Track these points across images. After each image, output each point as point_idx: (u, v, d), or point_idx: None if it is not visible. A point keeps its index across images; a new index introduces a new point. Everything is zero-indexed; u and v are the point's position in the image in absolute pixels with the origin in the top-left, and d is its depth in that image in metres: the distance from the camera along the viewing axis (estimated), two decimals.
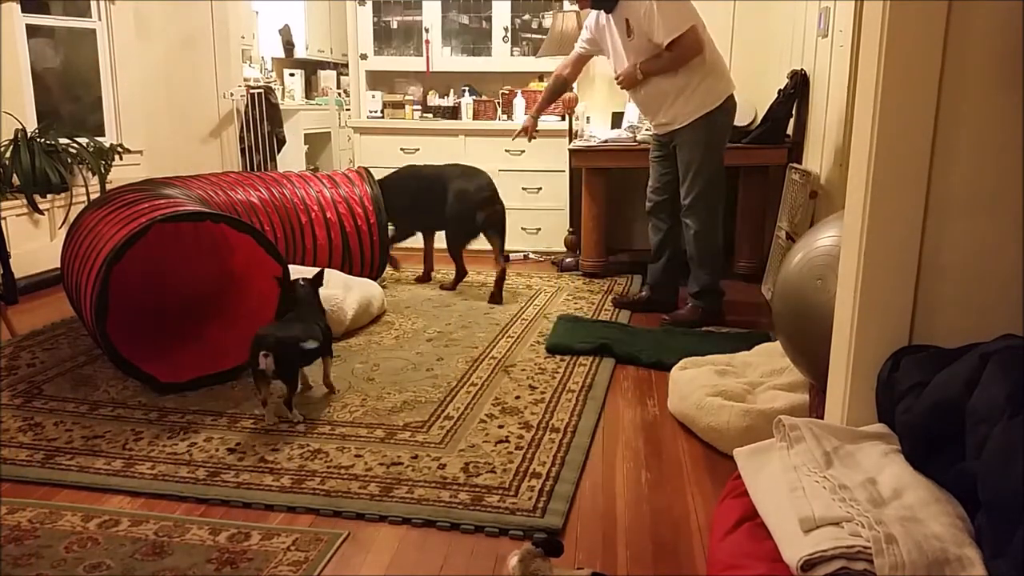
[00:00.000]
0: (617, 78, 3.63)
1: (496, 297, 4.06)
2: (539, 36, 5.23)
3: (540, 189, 5.19)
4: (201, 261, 3.35)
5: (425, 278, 4.56)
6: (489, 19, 5.33)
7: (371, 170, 4.45)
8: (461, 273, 4.37)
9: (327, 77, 7.70)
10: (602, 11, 3.59)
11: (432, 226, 4.47)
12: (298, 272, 3.60)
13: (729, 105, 3.56)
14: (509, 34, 5.29)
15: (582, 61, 3.94)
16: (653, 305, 3.84)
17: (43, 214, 4.43)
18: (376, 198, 4.21)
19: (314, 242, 3.97)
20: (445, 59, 5.44)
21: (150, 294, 3.29)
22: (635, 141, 4.41)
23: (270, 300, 2.88)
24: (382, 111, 5.47)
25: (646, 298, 3.89)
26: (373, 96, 5.47)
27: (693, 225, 3.57)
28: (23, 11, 4.69)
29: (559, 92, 4.07)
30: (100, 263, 2.63)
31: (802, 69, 4.18)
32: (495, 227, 4.14)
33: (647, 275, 3.95)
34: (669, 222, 3.76)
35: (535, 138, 4.20)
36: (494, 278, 4.12)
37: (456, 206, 4.14)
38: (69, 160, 4.57)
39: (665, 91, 3.49)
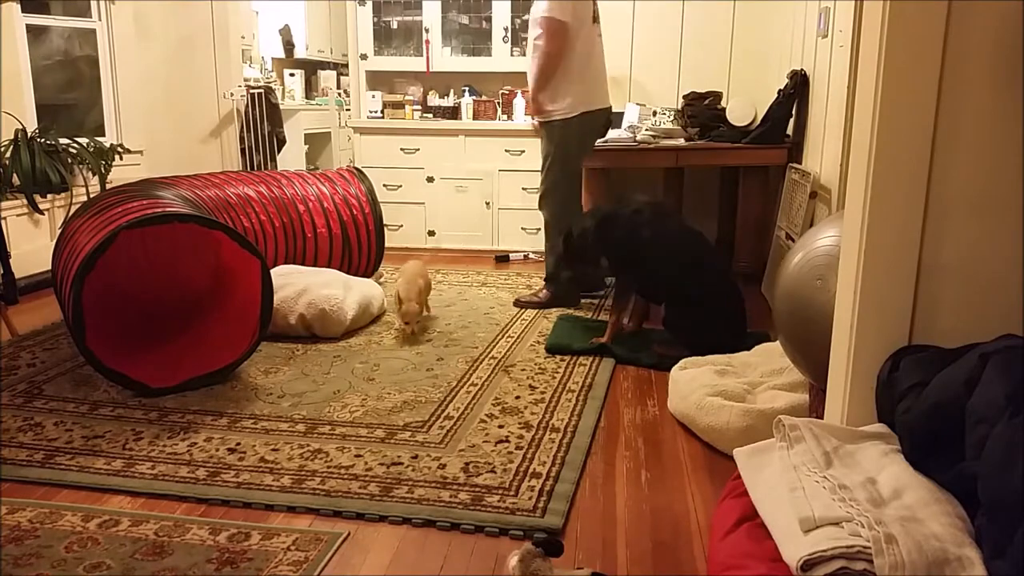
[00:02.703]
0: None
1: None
2: None
3: None
4: (186, 261, 3.35)
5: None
6: (489, 19, 5.33)
7: (367, 170, 4.46)
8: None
9: (327, 77, 7.70)
10: None
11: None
12: (298, 272, 3.62)
13: (578, 126, 3.74)
14: (509, 34, 5.29)
15: None
16: (555, 303, 3.94)
17: (43, 214, 4.43)
18: (371, 192, 4.21)
19: (314, 231, 3.98)
20: (445, 59, 5.44)
21: (138, 296, 3.29)
22: (635, 141, 4.41)
23: (257, 297, 2.87)
24: (382, 111, 5.48)
25: (548, 297, 3.97)
26: (373, 96, 5.48)
27: (544, 216, 3.94)
28: (23, 11, 4.69)
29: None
30: (73, 276, 2.63)
31: (802, 69, 4.18)
32: None
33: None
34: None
35: None
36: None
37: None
38: (69, 160, 4.57)
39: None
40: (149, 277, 3.34)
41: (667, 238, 3.24)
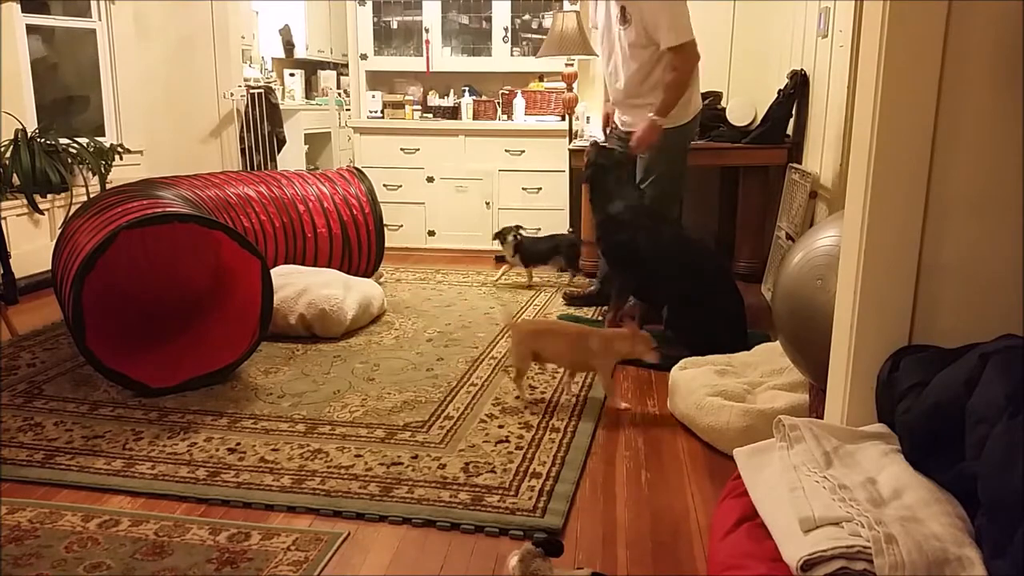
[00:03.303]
0: (634, 143, 3.45)
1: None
2: (539, 36, 5.22)
3: (540, 189, 5.19)
4: (186, 261, 3.35)
5: None
6: (489, 19, 5.33)
7: (367, 170, 4.46)
8: None
9: (327, 77, 7.70)
10: None
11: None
12: (298, 272, 3.62)
13: (695, 124, 3.62)
14: (509, 34, 5.29)
15: None
16: (603, 299, 3.89)
17: (43, 214, 4.43)
18: (371, 191, 4.21)
19: (314, 231, 3.99)
20: (445, 59, 5.44)
21: (138, 296, 3.29)
22: None
23: (257, 297, 2.87)
24: (382, 111, 5.47)
25: (596, 292, 3.95)
26: (373, 96, 5.47)
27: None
28: (23, 11, 4.69)
29: None
30: (73, 276, 2.63)
31: (802, 69, 4.18)
32: None
33: (599, 271, 4.04)
34: None
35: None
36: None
37: None
38: (69, 160, 4.57)
39: (648, 90, 3.44)
40: (149, 277, 3.34)
41: (666, 240, 3.26)
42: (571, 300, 4.01)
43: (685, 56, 3.34)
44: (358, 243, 4.16)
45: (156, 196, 3.11)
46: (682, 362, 2.73)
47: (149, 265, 3.34)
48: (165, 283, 3.37)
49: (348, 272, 4.00)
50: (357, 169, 4.47)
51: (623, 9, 3.40)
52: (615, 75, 3.59)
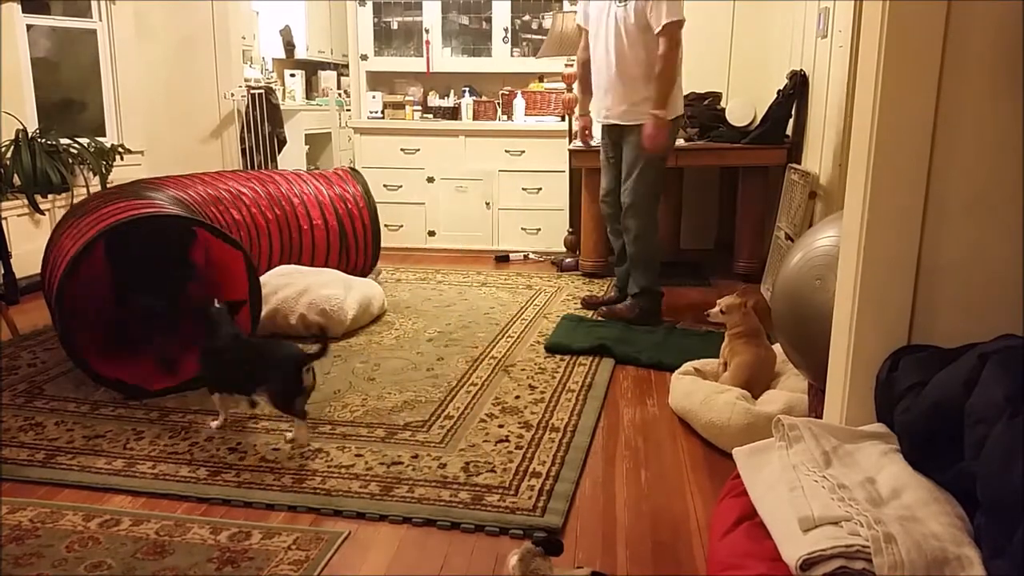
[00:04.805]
0: (646, 143, 3.41)
1: None
2: (539, 37, 5.23)
3: (540, 189, 5.19)
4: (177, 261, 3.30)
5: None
6: (489, 20, 5.34)
7: (367, 170, 4.45)
8: None
9: (327, 78, 7.70)
10: None
11: None
12: (298, 272, 3.62)
13: (679, 123, 3.64)
14: (509, 35, 5.29)
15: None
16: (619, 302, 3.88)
17: (44, 214, 4.43)
18: (364, 185, 4.19)
19: (310, 223, 3.96)
20: (445, 60, 5.44)
21: (130, 300, 3.25)
22: None
23: (245, 297, 2.87)
24: (382, 112, 5.48)
25: (616, 298, 3.91)
26: (373, 97, 5.48)
27: (632, 228, 3.60)
28: (23, 11, 4.69)
29: (588, 76, 3.80)
30: (56, 283, 2.62)
31: (801, 69, 4.18)
32: None
33: (616, 278, 3.97)
34: None
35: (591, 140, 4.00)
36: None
37: None
38: (70, 160, 4.58)
39: (642, 77, 3.42)
40: (140, 280, 3.30)
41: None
42: (589, 305, 3.94)
43: (673, 40, 3.32)
44: (354, 236, 4.13)
45: (141, 197, 3.06)
46: (684, 366, 2.73)
47: (138, 267, 3.29)
48: (156, 285, 3.31)
49: (345, 267, 3.99)
50: (351, 168, 4.46)
51: None
52: (606, 66, 3.52)
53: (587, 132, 3.99)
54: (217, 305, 2.54)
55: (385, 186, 5.29)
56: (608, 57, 3.51)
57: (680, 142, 4.38)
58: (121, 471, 2.19)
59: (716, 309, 2.67)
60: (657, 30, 3.33)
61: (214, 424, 2.47)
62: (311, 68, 7.63)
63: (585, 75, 3.78)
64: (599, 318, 3.73)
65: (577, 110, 4.02)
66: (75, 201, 4.53)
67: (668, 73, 3.37)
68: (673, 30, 3.32)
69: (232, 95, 5.69)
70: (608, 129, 3.67)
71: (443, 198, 5.32)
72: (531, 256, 5.20)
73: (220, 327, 2.50)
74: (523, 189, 5.20)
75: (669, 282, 3.96)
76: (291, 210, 3.95)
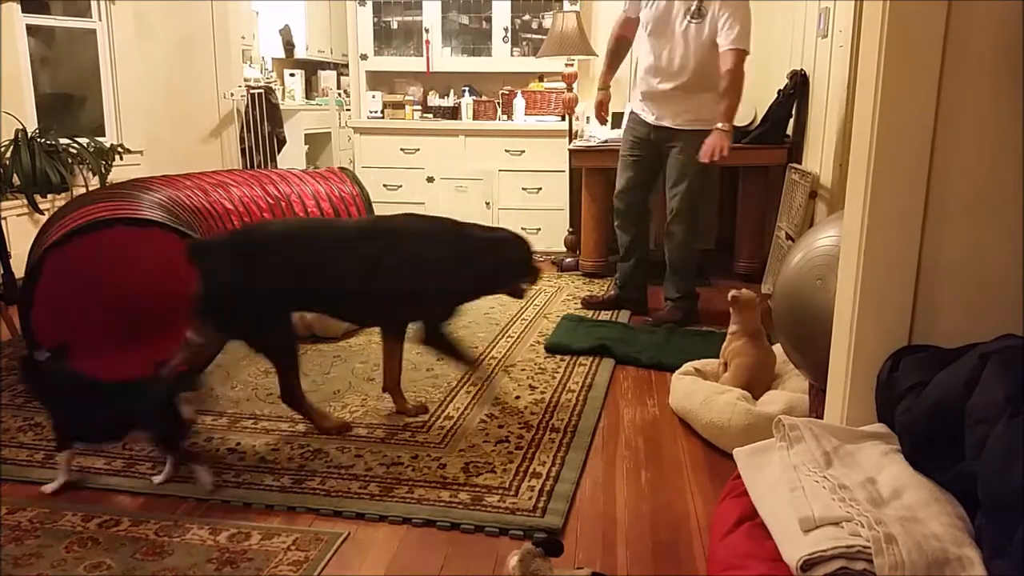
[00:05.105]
0: (705, 152, 3.34)
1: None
2: (539, 36, 5.23)
3: (540, 189, 5.19)
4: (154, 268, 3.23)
5: None
6: (489, 19, 5.34)
7: (367, 170, 4.42)
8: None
9: (327, 77, 7.70)
10: None
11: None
12: None
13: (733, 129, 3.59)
14: (509, 34, 5.29)
15: (632, 24, 3.66)
16: (622, 303, 3.88)
17: (43, 214, 4.42)
18: (356, 180, 4.14)
19: (305, 212, 3.88)
20: (445, 59, 5.44)
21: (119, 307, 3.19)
22: None
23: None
24: (382, 111, 5.48)
25: (615, 297, 3.91)
26: (373, 96, 5.48)
27: (679, 234, 3.59)
28: (23, 11, 4.69)
29: (622, 54, 3.77)
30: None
31: (802, 69, 4.18)
32: None
33: (617, 274, 3.97)
34: (639, 224, 3.79)
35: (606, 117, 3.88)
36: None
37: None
38: (69, 160, 4.58)
39: (709, 90, 3.40)
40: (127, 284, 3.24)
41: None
42: (589, 304, 3.94)
43: (741, 63, 3.30)
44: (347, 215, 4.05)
45: (111, 201, 3.00)
46: (684, 367, 2.73)
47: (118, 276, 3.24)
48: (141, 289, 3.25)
49: None
50: (342, 168, 4.42)
51: (699, 5, 3.34)
52: (668, 67, 3.46)
53: (604, 108, 3.82)
54: (44, 355, 2.16)
55: (385, 186, 5.29)
56: (678, 67, 3.45)
57: None
58: (121, 471, 2.19)
59: (735, 292, 2.65)
60: (723, 48, 3.29)
61: (156, 480, 2.14)
62: (311, 68, 7.63)
63: (618, 50, 3.73)
64: (650, 324, 3.65)
65: (598, 82, 3.84)
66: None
67: (736, 90, 3.34)
68: (738, 59, 3.28)
69: (232, 95, 5.69)
70: (654, 128, 3.57)
71: (443, 198, 5.32)
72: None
73: (57, 377, 2.13)
74: (523, 189, 5.20)
75: None
76: (288, 207, 3.91)
